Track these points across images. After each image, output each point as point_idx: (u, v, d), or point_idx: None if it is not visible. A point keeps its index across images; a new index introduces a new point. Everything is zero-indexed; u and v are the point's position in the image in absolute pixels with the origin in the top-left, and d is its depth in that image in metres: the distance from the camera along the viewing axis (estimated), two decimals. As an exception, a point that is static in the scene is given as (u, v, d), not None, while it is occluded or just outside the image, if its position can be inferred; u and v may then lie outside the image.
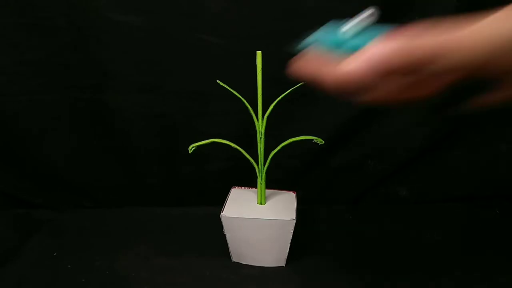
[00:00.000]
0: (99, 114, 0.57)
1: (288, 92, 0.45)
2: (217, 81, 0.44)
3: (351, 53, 0.25)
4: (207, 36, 0.51)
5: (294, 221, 0.46)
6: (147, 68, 0.54)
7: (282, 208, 0.48)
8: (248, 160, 0.47)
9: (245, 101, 0.44)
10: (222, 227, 0.48)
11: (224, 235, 0.49)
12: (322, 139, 0.46)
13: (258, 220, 0.46)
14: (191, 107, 0.56)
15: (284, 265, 0.50)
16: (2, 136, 0.57)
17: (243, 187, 0.54)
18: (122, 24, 0.50)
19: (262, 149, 0.46)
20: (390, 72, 0.24)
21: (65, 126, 0.58)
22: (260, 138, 0.46)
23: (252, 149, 0.47)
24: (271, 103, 0.45)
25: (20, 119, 0.56)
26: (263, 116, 0.45)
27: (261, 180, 0.48)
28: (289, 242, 0.47)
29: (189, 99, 0.56)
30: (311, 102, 0.56)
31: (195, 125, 0.57)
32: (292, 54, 0.31)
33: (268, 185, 0.49)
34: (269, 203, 0.50)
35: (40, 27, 0.50)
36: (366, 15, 0.27)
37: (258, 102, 0.44)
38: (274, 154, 0.47)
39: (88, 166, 0.61)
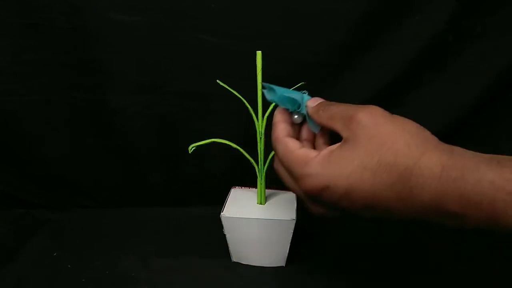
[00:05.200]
0: (99, 114, 0.57)
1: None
2: (217, 81, 0.44)
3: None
4: (207, 36, 0.51)
5: (294, 221, 0.46)
6: (147, 68, 0.54)
7: (282, 208, 0.48)
8: (248, 160, 0.47)
9: (245, 101, 0.44)
10: (222, 227, 0.48)
11: (224, 235, 0.49)
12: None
13: (258, 220, 0.46)
14: (191, 107, 0.56)
15: (284, 265, 0.50)
16: (2, 136, 0.57)
17: (243, 187, 0.54)
18: (122, 24, 0.50)
19: (262, 149, 0.46)
20: None
21: (65, 126, 0.58)
22: (260, 138, 0.46)
23: (252, 149, 0.47)
24: (271, 103, 0.45)
25: (20, 119, 0.56)
26: (263, 116, 0.45)
27: (261, 180, 0.48)
28: (289, 242, 0.47)
29: (189, 99, 0.56)
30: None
31: (195, 125, 0.57)
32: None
33: (268, 185, 0.49)
34: (269, 203, 0.50)
35: (40, 27, 0.50)
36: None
37: (258, 102, 0.44)
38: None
39: (88, 166, 0.61)
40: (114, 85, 0.54)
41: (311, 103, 0.34)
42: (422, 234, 0.56)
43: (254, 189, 0.53)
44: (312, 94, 0.60)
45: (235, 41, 0.51)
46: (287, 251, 0.49)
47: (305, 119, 0.35)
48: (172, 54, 0.53)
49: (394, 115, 0.30)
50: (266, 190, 0.49)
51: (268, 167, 0.47)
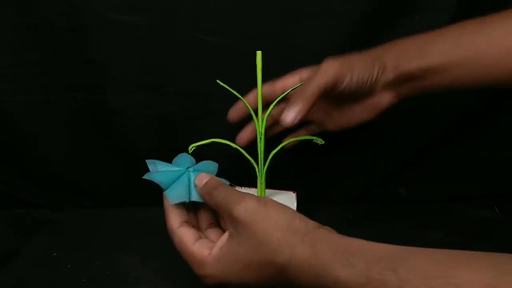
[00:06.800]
0: (99, 114, 0.57)
1: (286, 94, 0.45)
2: (217, 81, 0.44)
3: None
4: (207, 36, 0.51)
5: (294, 221, 0.46)
6: (147, 68, 0.54)
7: (282, 208, 0.48)
8: (248, 160, 0.47)
9: (245, 101, 0.44)
10: (222, 227, 0.48)
11: (224, 235, 0.49)
12: (322, 139, 0.46)
13: (258, 220, 0.46)
14: (191, 107, 0.56)
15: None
16: (2, 136, 0.57)
17: (243, 187, 0.54)
18: (122, 24, 0.50)
19: (262, 149, 0.46)
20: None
21: (65, 126, 0.58)
22: (260, 138, 0.46)
23: (252, 149, 0.48)
24: (271, 103, 0.45)
25: (20, 119, 0.56)
26: (263, 116, 0.45)
27: (261, 180, 0.48)
28: (289, 242, 0.47)
29: (189, 99, 0.56)
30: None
31: (195, 125, 0.57)
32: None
33: (268, 185, 0.49)
34: (269, 203, 0.50)
35: (40, 27, 0.50)
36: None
37: (258, 102, 0.44)
38: (274, 154, 0.47)
39: (88, 166, 0.61)
40: (114, 85, 0.54)
41: (198, 182, 0.39)
42: (425, 234, 0.56)
43: (254, 189, 0.53)
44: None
45: (235, 41, 0.51)
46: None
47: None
48: (172, 54, 0.53)
49: (268, 203, 0.35)
50: (266, 190, 0.49)
51: (268, 167, 0.47)
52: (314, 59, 0.53)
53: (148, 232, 0.58)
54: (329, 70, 0.40)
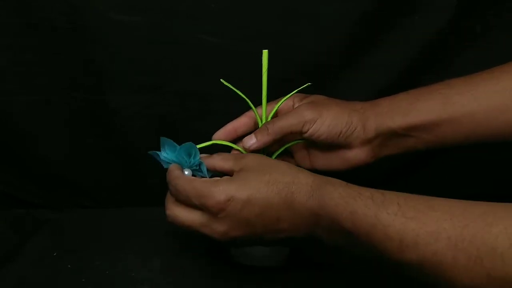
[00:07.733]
0: (99, 114, 0.57)
1: (292, 94, 0.45)
2: (221, 80, 0.44)
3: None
4: (207, 36, 0.51)
5: (294, 221, 0.46)
6: (147, 68, 0.54)
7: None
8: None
9: (249, 102, 0.44)
10: (222, 227, 0.48)
11: (224, 235, 0.49)
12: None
13: (258, 220, 0.46)
14: (191, 107, 0.56)
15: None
16: (2, 136, 0.57)
17: (243, 187, 0.53)
18: (122, 24, 0.50)
19: (265, 150, 0.46)
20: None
21: (65, 126, 0.58)
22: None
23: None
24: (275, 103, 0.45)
25: (19, 119, 0.56)
26: (266, 117, 0.45)
27: (261, 180, 0.48)
28: (289, 242, 0.47)
29: (189, 99, 0.56)
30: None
31: (195, 125, 0.57)
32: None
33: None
34: (269, 203, 0.50)
35: (40, 27, 0.50)
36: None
37: (263, 103, 0.44)
38: (277, 156, 0.47)
39: (88, 166, 0.61)
40: (114, 85, 0.54)
41: (204, 154, 0.41)
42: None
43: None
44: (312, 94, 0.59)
45: (235, 41, 0.51)
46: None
47: (195, 172, 0.41)
48: (172, 54, 0.53)
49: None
50: (266, 190, 0.49)
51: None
52: (314, 59, 0.54)
53: (148, 232, 0.58)
54: (299, 114, 0.42)
